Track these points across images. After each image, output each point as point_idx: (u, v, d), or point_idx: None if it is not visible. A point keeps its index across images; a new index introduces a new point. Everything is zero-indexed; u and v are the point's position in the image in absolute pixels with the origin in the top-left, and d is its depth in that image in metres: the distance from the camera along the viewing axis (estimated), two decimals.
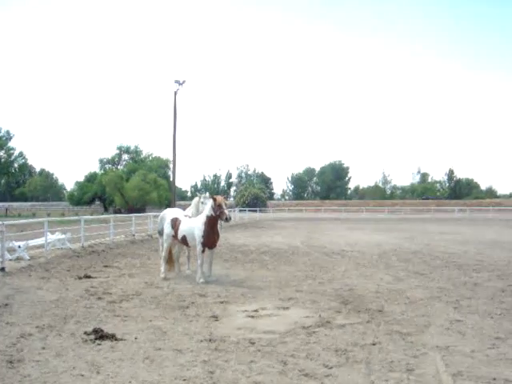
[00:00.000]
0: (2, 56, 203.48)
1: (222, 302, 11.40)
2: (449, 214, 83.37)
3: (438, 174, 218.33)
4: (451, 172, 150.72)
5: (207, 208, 14.49)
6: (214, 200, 14.25)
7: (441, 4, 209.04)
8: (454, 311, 10.47)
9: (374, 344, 8.01)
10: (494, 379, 6.42)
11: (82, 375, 6.56)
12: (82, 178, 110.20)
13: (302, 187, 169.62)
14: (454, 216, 74.81)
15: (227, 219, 14.34)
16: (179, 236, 14.87)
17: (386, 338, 8.40)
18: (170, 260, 15.52)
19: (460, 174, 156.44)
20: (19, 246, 17.46)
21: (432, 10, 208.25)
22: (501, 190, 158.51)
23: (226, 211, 14.37)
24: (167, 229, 15.32)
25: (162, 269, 15.12)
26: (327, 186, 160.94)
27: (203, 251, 14.45)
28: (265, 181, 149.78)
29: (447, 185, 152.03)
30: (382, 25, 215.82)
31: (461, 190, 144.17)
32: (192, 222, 14.80)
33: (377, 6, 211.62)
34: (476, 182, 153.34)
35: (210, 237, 14.42)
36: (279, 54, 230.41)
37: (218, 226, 14.99)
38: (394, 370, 6.76)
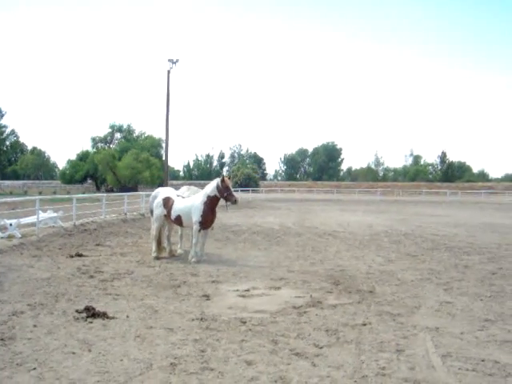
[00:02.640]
0: None
1: (213, 282, 11.45)
2: (440, 196, 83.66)
3: (430, 157, 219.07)
4: (444, 155, 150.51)
5: (210, 187, 14.39)
6: (223, 181, 14.21)
7: None
8: (445, 293, 10.55)
9: (364, 324, 8.06)
10: (483, 360, 6.49)
11: (74, 353, 6.59)
12: (74, 157, 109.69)
13: (294, 168, 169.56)
14: (445, 199, 75.01)
15: (235, 201, 14.33)
16: (173, 216, 14.73)
17: (376, 318, 8.45)
18: (160, 239, 15.44)
19: (452, 157, 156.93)
20: (11, 224, 17.41)
21: None
22: (493, 174, 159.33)
23: (235, 193, 14.40)
24: (158, 208, 15.17)
25: (154, 248, 15.08)
26: (320, 166, 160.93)
27: (199, 231, 14.43)
28: (257, 161, 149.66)
29: (439, 167, 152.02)
30: (378, 10, 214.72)
31: (453, 173, 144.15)
32: (188, 202, 14.65)
33: None
34: (468, 165, 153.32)
35: (209, 217, 14.38)
36: (273, 34, 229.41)
37: (225, 207, 14.99)
38: (384, 351, 6.81)
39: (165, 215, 15.00)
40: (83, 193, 75.50)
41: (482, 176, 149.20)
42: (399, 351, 6.80)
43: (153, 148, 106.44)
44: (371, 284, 11.36)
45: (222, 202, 14.57)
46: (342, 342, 7.19)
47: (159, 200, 15.25)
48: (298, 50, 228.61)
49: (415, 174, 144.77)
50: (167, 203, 14.91)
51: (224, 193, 14.14)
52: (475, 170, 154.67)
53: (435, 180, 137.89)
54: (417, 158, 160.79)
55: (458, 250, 17.08)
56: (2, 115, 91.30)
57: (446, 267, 13.77)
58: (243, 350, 6.78)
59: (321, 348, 6.91)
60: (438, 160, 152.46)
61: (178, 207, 14.66)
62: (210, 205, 14.28)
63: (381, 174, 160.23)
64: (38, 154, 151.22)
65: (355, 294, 10.35)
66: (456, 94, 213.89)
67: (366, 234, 22.42)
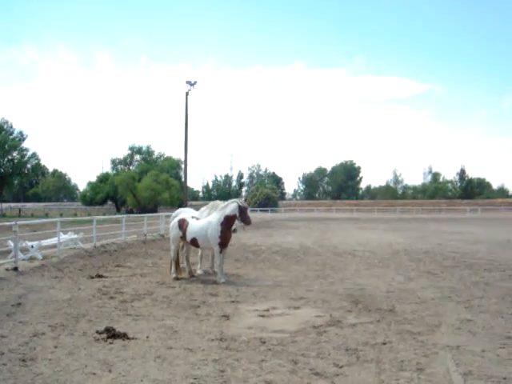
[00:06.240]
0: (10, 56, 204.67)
1: (233, 302, 11.44)
2: (460, 213, 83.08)
3: (449, 174, 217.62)
4: (463, 171, 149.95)
5: (229, 208, 14.43)
6: (245, 201, 14.64)
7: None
8: (465, 311, 10.46)
9: (384, 343, 8.02)
10: (505, 379, 6.42)
11: (94, 374, 6.62)
12: (94, 179, 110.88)
13: (313, 187, 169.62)
14: (465, 216, 74.56)
15: (249, 223, 14.46)
16: (188, 238, 14.74)
17: (396, 337, 8.40)
18: (178, 261, 15.46)
19: (472, 173, 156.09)
20: (32, 246, 17.57)
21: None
22: None
23: (249, 215, 14.59)
24: (173, 230, 15.20)
25: (173, 269, 15.10)
26: (338, 185, 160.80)
27: (221, 251, 14.44)
28: (276, 181, 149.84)
29: (459, 184, 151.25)
30: (393, 23, 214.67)
31: (472, 190, 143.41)
32: (204, 223, 14.66)
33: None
34: (488, 182, 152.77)
35: (227, 237, 14.46)
36: (291, 53, 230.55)
37: (241, 228, 15.13)
38: (405, 370, 6.77)
39: (181, 237, 15.06)
40: (103, 214, 75.85)
41: (502, 192, 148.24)
42: (420, 370, 6.75)
43: (172, 169, 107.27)
44: (391, 303, 11.28)
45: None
46: (362, 361, 7.16)
47: (174, 222, 15.34)
48: (317, 68, 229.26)
49: (434, 191, 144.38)
50: (182, 225, 14.94)
51: (241, 213, 14.24)
52: (495, 186, 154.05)
53: (455, 197, 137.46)
54: (436, 175, 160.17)
55: (478, 268, 16.95)
56: (24, 138, 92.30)
57: (466, 285, 13.66)
58: (263, 370, 6.77)
59: (341, 367, 6.88)
60: (457, 177, 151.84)
61: (192, 229, 14.67)
62: (227, 225, 14.35)
63: (400, 191, 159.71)
64: (58, 176, 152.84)
65: (375, 312, 10.29)
66: (473, 110, 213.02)
67: (385, 252, 22.31)
